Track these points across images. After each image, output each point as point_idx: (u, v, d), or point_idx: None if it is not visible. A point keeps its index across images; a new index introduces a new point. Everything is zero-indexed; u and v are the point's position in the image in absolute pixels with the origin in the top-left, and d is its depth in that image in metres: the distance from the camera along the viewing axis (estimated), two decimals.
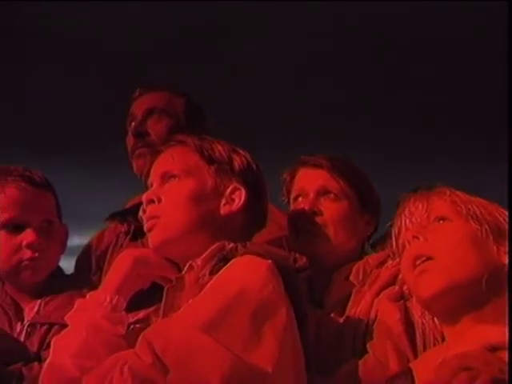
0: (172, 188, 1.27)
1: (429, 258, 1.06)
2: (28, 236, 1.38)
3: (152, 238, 1.26)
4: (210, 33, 3.71)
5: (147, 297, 1.33)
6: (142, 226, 1.81)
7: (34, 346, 1.31)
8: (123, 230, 1.85)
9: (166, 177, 1.29)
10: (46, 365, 1.15)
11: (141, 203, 1.88)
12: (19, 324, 1.36)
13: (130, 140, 1.93)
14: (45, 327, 1.32)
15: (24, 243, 1.37)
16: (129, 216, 1.87)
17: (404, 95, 3.67)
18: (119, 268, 1.27)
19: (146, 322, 1.27)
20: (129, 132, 1.95)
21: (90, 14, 3.63)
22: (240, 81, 3.70)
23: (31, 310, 1.38)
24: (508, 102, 1.44)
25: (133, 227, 1.82)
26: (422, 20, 3.48)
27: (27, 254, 1.37)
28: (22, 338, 1.33)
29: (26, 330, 1.34)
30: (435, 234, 1.09)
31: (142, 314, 1.30)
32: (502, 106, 1.52)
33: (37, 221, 1.40)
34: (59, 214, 1.50)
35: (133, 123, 1.94)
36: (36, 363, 1.21)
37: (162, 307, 1.19)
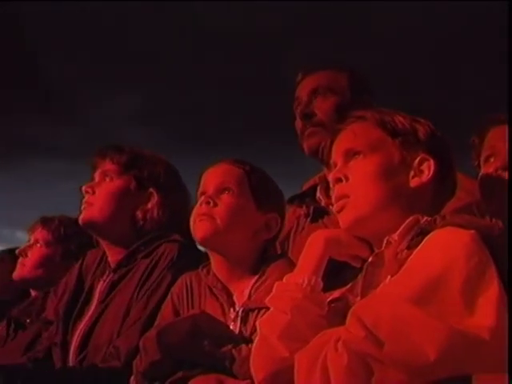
0: (358, 165, 1.26)
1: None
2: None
3: (343, 218, 1.25)
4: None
5: (334, 276, 1.34)
6: (320, 207, 1.86)
7: (246, 331, 1.37)
8: (302, 212, 1.88)
9: (349, 154, 1.28)
10: (254, 346, 1.20)
11: (316, 185, 1.92)
12: (232, 310, 1.43)
13: (298, 124, 1.96)
14: (256, 312, 1.38)
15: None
16: (307, 198, 1.90)
17: None
18: (312, 250, 1.29)
19: (342, 300, 1.27)
20: (296, 116, 1.97)
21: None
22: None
23: (241, 294, 1.45)
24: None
25: (312, 209, 1.85)
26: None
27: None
28: (236, 324, 1.40)
29: (240, 315, 1.41)
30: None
31: (337, 293, 1.31)
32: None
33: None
34: (254, 196, 1.56)
35: (299, 106, 1.96)
36: (244, 345, 1.27)
37: (360, 284, 1.19)
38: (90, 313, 1.80)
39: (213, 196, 1.50)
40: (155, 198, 1.89)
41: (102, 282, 1.84)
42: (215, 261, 1.53)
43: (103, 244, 1.94)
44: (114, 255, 1.89)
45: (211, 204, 1.49)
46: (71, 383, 1.54)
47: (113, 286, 1.83)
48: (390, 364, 0.92)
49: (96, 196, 1.90)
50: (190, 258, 1.75)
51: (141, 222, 1.87)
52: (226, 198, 1.50)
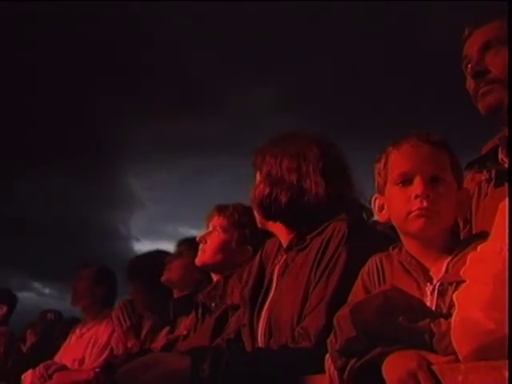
0: None
1: None
2: (416, 188, 1.41)
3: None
4: None
5: None
6: (504, 170, 1.73)
7: (445, 305, 1.32)
8: (484, 177, 1.77)
9: None
10: (455, 320, 1.14)
11: (497, 147, 1.79)
12: (428, 284, 1.39)
13: (470, 84, 1.83)
14: (454, 286, 1.32)
15: (413, 195, 1.41)
16: (487, 162, 1.78)
17: None
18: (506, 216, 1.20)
19: None
20: (467, 76, 1.85)
21: None
22: None
23: (438, 270, 1.40)
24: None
25: (494, 172, 1.73)
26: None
27: (415, 204, 1.40)
28: (433, 299, 1.35)
29: (438, 289, 1.36)
30: None
31: None
32: None
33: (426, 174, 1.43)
34: (456, 176, 1.49)
35: (469, 65, 1.83)
36: (442, 319, 1.21)
37: None
38: (271, 296, 1.85)
39: (428, 188, 1.43)
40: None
41: (277, 266, 1.89)
42: (409, 243, 1.49)
43: (273, 229, 1.98)
44: (285, 238, 1.92)
45: (430, 196, 1.42)
46: (265, 363, 1.58)
47: (286, 267, 1.86)
48: None
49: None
50: (362, 235, 1.73)
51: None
52: (440, 189, 1.44)
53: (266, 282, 1.90)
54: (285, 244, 1.93)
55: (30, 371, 3.06)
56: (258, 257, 2.02)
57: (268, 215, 1.96)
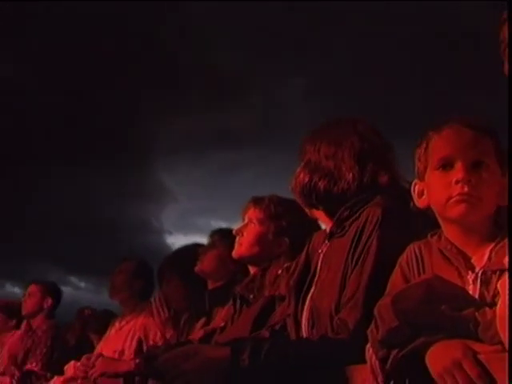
0: None
1: None
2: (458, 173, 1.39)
3: None
4: None
5: None
6: None
7: (488, 294, 1.30)
8: None
9: None
10: (500, 309, 1.12)
11: None
12: (470, 273, 1.36)
13: (506, 67, 1.79)
14: (498, 274, 1.30)
15: (454, 180, 1.39)
16: None
17: None
18: None
19: None
20: (504, 61, 1.80)
21: None
22: None
23: (480, 258, 1.38)
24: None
25: None
26: None
27: (456, 189, 1.38)
28: (476, 287, 1.33)
29: (481, 278, 1.34)
30: None
31: None
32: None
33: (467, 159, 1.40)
34: (500, 162, 1.45)
35: (507, 48, 1.79)
36: (487, 308, 1.19)
37: None
38: (314, 285, 1.85)
39: (470, 173, 1.40)
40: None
41: (321, 255, 1.88)
42: (449, 230, 1.46)
43: (317, 216, 1.98)
44: (327, 225, 1.93)
45: (472, 182, 1.39)
46: (305, 354, 1.58)
47: (327, 256, 1.86)
48: None
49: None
50: (397, 220, 1.71)
51: None
52: (483, 174, 1.40)
53: (311, 271, 1.90)
54: (327, 234, 1.93)
55: (72, 362, 3.12)
56: (305, 249, 2.02)
57: (309, 203, 1.96)
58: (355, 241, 1.75)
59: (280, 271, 2.40)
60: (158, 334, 3.44)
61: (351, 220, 1.82)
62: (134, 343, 3.51)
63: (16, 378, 4.00)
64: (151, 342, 3.43)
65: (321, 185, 1.88)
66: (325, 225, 1.98)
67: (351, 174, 1.86)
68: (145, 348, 3.45)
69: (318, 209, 1.96)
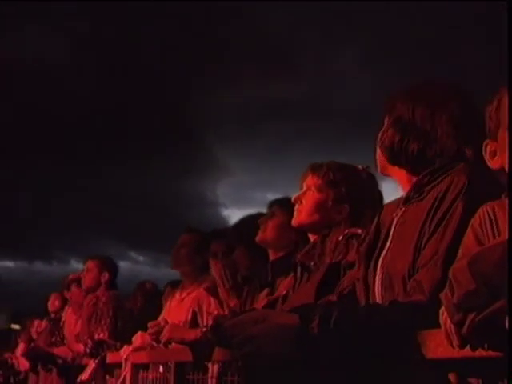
0: None
1: None
2: None
3: None
4: None
5: None
6: None
7: None
8: None
9: None
10: None
11: None
12: None
13: None
14: None
15: None
16: None
17: None
18: None
19: None
20: None
21: None
22: None
23: None
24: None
25: None
26: None
27: None
28: None
29: None
30: None
31: None
32: None
33: None
34: None
35: None
36: None
37: None
38: (387, 247, 1.82)
39: None
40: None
41: (396, 219, 1.85)
42: None
43: (394, 175, 1.94)
44: (405, 186, 1.90)
45: None
46: (375, 320, 1.56)
47: (402, 220, 1.82)
48: None
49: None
50: (482, 188, 1.65)
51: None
52: None
53: (382, 236, 1.87)
54: (404, 194, 1.90)
55: (139, 332, 3.19)
56: (375, 220, 1.98)
57: (396, 161, 1.92)
58: (435, 206, 1.71)
59: (340, 238, 2.38)
60: (212, 304, 3.48)
61: (431, 186, 1.79)
62: (190, 315, 3.57)
63: (90, 346, 4.19)
64: (205, 314, 3.48)
65: (414, 145, 1.84)
66: (401, 184, 1.93)
67: (447, 139, 1.82)
68: (199, 320, 3.51)
69: (400, 167, 1.91)
